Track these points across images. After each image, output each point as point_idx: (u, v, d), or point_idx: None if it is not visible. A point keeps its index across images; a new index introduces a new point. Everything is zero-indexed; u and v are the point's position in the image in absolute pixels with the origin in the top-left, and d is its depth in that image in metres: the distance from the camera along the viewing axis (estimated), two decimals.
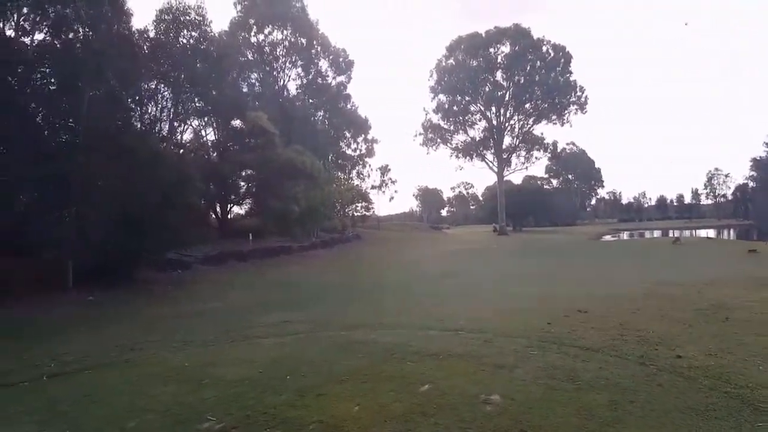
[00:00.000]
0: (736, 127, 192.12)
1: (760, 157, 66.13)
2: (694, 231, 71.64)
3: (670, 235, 49.36)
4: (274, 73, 44.00)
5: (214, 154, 31.86)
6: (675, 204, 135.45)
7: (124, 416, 5.45)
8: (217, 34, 32.10)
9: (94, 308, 14.60)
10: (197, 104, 29.78)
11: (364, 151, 53.72)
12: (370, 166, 55.38)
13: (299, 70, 45.92)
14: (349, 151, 53.31)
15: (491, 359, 7.00)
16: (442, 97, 56.64)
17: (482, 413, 5.05)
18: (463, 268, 22.59)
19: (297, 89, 46.70)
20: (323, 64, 48.07)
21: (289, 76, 45.47)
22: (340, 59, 48.83)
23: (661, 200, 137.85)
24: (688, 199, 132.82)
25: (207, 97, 29.34)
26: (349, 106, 51.70)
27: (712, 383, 5.74)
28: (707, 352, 7.02)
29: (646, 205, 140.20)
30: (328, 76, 48.94)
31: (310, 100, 47.67)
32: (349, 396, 5.72)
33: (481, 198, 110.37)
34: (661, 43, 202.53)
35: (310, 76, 46.86)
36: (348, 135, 52.25)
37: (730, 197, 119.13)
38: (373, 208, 48.40)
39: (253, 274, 22.09)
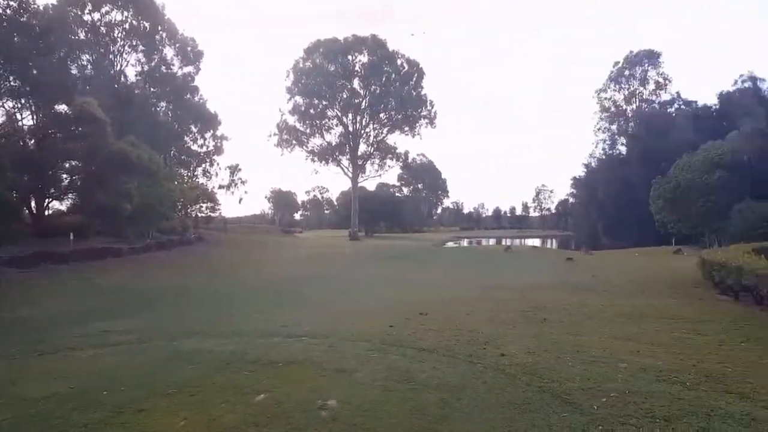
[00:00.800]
0: (562, 148, 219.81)
1: (579, 176, 75.95)
2: (523, 240, 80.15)
3: (503, 243, 54.53)
4: (111, 56, 39.62)
5: (32, 142, 27.73)
6: (508, 215, 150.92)
7: None
8: (42, 7, 28.15)
9: None
10: (12, 83, 25.79)
11: (212, 147, 50.48)
12: (218, 164, 52.19)
13: (140, 55, 41.93)
14: (195, 147, 49.67)
15: (332, 364, 7.04)
16: (298, 98, 56.14)
17: (317, 419, 5.03)
18: (312, 274, 22.50)
19: (137, 76, 42.54)
20: (168, 52, 44.56)
21: (128, 62, 41.22)
22: (188, 48, 45.76)
23: (497, 211, 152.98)
24: (519, 211, 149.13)
25: (25, 75, 25.47)
26: (197, 99, 48.50)
27: (529, 379, 6.38)
28: (527, 351, 7.80)
29: (484, 215, 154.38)
30: (173, 65, 45.49)
31: (152, 89, 43.78)
32: (175, 410, 5.32)
33: (335, 202, 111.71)
34: (504, 63, 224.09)
35: (153, 63, 43.08)
36: (194, 130, 48.84)
37: (554, 211, 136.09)
38: (219, 208, 45.89)
39: (74, 279, 19.45)
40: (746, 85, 56.35)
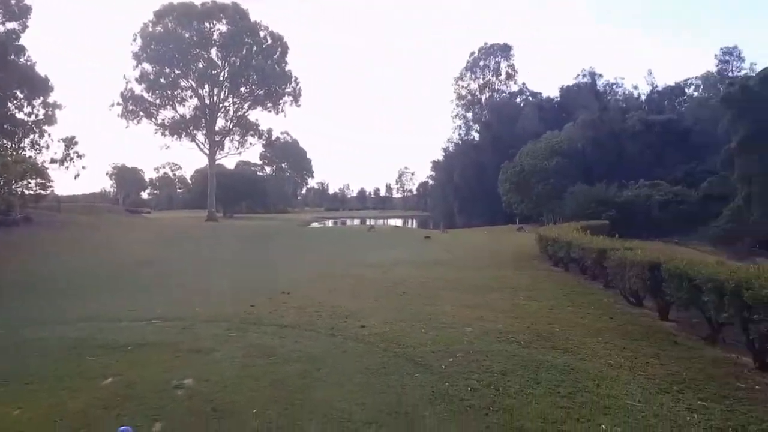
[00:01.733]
0: (424, 132, 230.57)
1: (438, 160, 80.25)
2: (386, 220, 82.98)
3: (367, 223, 55.92)
4: None
5: None
6: (372, 196, 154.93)
7: None
8: None
9: None
10: None
11: (42, 116, 44.10)
12: (50, 135, 45.61)
13: None
14: (21, 115, 43.04)
15: (188, 345, 6.93)
16: (147, 66, 50.95)
17: (173, 398, 5.01)
18: (164, 256, 20.96)
19: None
20: None
21: None
22: (12, 1, 39.52)
23: (362, 192, 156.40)
24: (383, 192, 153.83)
25: None
26: (23, 60, 42.09)
27: (386, 346, 6.95)
28: (385, 321, 8.41)
29: (349, 196, 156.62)
30: None
31: None
32: (8, 400, 4.93)
33: (189, 181, 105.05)
34: (372, 46, 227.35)
35: None
36: (20, 95, 42.39)
37: (415, 192, 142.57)
38: (51, 186, 40.27)
39: None
40: (586, 80, 64.17)
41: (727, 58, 57.94)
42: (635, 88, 68.03)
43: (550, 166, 44.90)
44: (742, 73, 50.63)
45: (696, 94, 62.88)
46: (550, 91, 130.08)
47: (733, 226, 32.76)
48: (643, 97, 64.50)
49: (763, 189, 32.72)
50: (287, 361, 6.17)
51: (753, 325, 5.92)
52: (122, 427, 3.78)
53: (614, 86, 66.57)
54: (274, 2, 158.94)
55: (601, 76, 64.43)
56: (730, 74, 55.12)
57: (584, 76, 63.74)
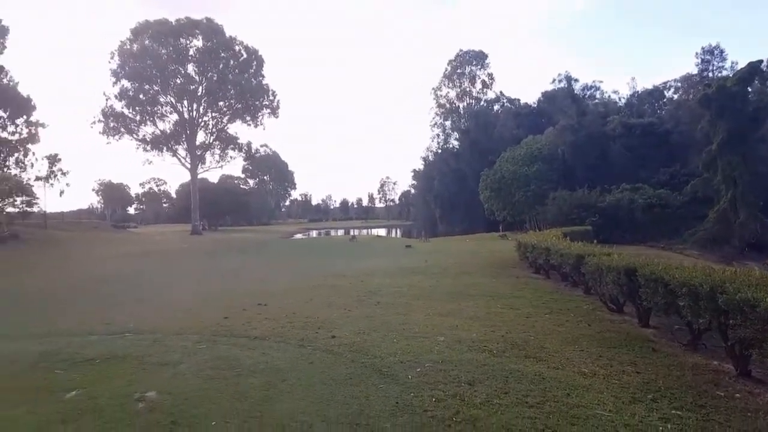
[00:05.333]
0: (405, 142, 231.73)
1: (419, 169, 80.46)
2: (370, 230, 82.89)
3: (350, 233, 55.86)
4: None
5: None
6: (355, 206, 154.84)
7: None
8: None
9: None
10: None
11: (25, 135, 43.98)
12: (33, 153, 45.50)
13: None
14: (4, 135, 42.94)
15: (155, 358, 6.89)
16: (126, 83, 50.73)
17: (133, 411, 5.00)
18: (145, 270, 20.96)
19: None
20: None
21: None
22: None
23: (344, 203, 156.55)
24: (366, 202, 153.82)
25: None
26: (5, 81, 41.94)
27: (354, 356, 6.85)
28: (357, 332, 8.33)
29: (332, 207, 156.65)
30: None
31: None
32: None
33: (174, 195, 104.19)
34: (351, 59, 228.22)
35: None
36: (4, 115, 42.25)
37: (397, 201, 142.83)
38: (37, 203, 40.09)
39: None
40: (562, 84, 64.19)
41: (708, 57, 56.29)
42: (615, 92, 68.93)
43: (530, 172, 45.04)
44: (724, 73, 49.48)
45: (676, 96, 62.33)
46: (530, 96, 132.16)
47: (719, 228, 32.50)
48: (622, 102, 65.10)
49: (747, 190, 32.70)
50: (252, 373, 6.12)
51: (731, 330, 5.80)
52: None
53: (592, 89, 66.95)
54: (249, 17, 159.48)
55: (577, 80, 64.69)
56: (711, 75, 53.97)
57: (560, 81, 64.03)
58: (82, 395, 5.39)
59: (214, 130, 56.13)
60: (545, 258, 15.13)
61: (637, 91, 65.42)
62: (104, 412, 4.90)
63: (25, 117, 43.66)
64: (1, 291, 15.31)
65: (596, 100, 65.20)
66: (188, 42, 52.11)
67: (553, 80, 66.11)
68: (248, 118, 56.00)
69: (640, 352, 7.16)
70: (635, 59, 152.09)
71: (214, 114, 55.41)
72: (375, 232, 77.08)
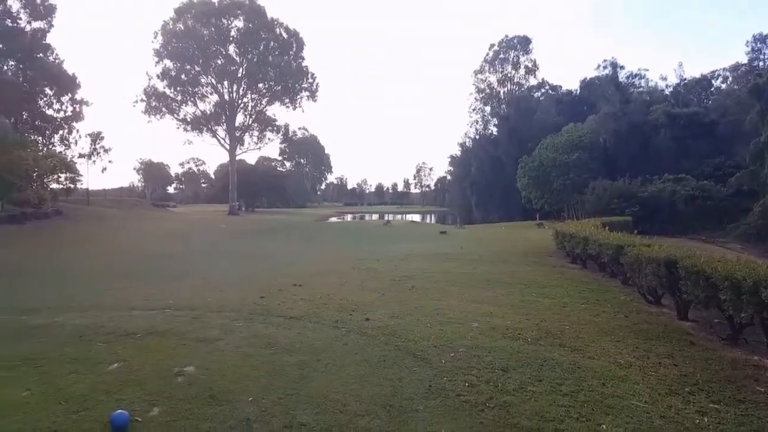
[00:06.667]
0: (442, 127, 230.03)
1: (455, 154, 79.62)
2: (404, 215, 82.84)
3: (384, 218, 55.88)
4: None
5: None
6: (390, 191, 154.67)
7: None
8: None
9: None
10: None
11: (70, 113, 45.38)
12: (78, 131, 47.04)
13: None
14: (50, 112, 44.46)
15: (195, 334, 7.03)
16: (168, 62, 51.61)
17: (173, 385, 5.11)
18: (184, 248, 21.48)
19: None
20: (13, 4, 39.05)
21: None
22: (38, 1, 40.50)
23: (380, 187, 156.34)
24: (401, 188, 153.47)
25: None
26: (51, 59, 43.22)
27: (388, 339, 6.88)
28: (391, 315, 8.32)
29: (367, 191, 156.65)
30: (20, 18, 39.90)
31: None
32: (19, 382, 5.11)
33: (213, 176, 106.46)
34: (389, 42, 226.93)
35: None
36: (50, 93, 43.63)
37: (433, 187, 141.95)
38: (80, 180, 41.45)
39: None
40: (607, 71, 62.12)
41: (759, 46, 53.36)
42: (663, 78, 65.99)
43: (570, 160, 43.96)
44: None
45: (724, 86, 59.43)
46: (570, 83, 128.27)
47: (765, 222, 31.16)
48: (668, 90, 62.64)
49: None
50: (288, 351, 6.22)
51: None
52: (118, 411, 3.91)
53: (637, 77, 64.25)
54: None
55: (623, 67, 62.36)
56: (761, 64, 51.35)
57: (605, 67, 61.88)
58: (123, 368, 5.54)
59: (253, 111, 56.63)
60: (583, 247, 14.83)
61: (685, 79, 62.47)
62: (145, 385, 5.02)
63: (70, 95, 45.06)
64: (47, 265, 15.95)
65: (641, 89, 62.72)
66: (230, 23, 52.39)
67: (598, 66, 64.07)
68: (287, 101, 56.21)
69: (677, 345, 7.01)
70: (684, 48, 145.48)
71: (253, 96, 55.83)
72: (409, 217, 76.99)
